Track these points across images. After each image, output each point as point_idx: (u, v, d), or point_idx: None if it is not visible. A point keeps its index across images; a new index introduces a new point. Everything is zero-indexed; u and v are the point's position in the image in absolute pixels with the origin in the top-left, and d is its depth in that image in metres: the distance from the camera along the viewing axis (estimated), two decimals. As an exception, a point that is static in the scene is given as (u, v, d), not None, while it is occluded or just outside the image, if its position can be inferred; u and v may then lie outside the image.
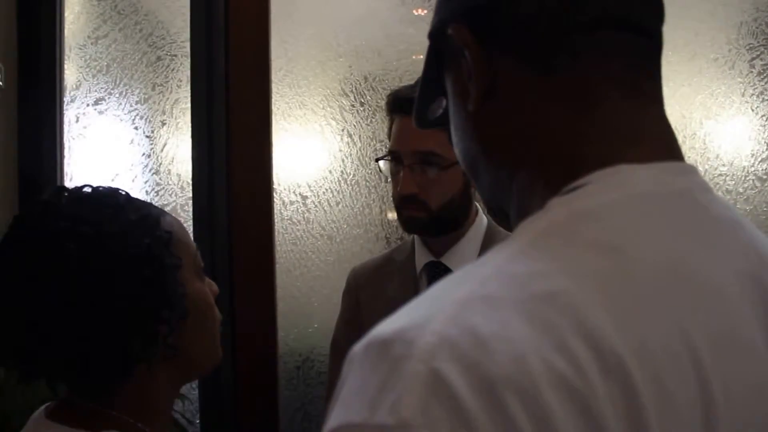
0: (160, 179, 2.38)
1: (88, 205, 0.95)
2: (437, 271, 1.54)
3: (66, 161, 2.38)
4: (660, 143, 0.58)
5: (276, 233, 2.34)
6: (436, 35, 0.65)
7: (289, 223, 2.36)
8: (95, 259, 0.91)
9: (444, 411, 0.43)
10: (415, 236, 1.59)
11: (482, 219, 1.58)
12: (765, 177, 2.17)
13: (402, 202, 1.49)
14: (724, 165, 2.20)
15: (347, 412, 0.46)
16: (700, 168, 2.19)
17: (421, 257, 1.57)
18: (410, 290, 1.56)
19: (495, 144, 0.62)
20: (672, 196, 0.55)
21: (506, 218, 0.65)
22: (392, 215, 2.34)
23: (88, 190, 0.99)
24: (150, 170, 2.39)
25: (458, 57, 0.62)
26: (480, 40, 0.60)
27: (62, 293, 0.90)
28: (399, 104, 1.49)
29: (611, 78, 0.57)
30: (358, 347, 0.49)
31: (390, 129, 1.53)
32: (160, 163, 2.39)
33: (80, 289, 0.90)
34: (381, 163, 1.56)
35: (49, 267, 0.90)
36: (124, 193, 0.99)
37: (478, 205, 1.58)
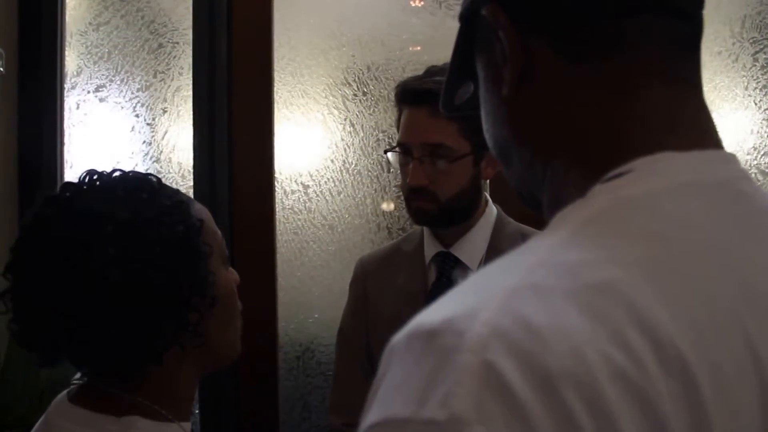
0: (161, 167, 2.37)
1: (122, 189, 0.95)
2: (446, 262, 1.54)
3: (66, 148, 2.37)
4: (700, 131, 0.57)
5: (277, 222, 2.34)
6: (467, 17, 0.63)
7: (291, 212, 2.36)
8: (131, 242, 0.90)
9: (499, 406, 0.40)
10: (424, 227, 1.59)
11: (492, 209, 1.57)
12: (767, 170, 2.19)
13: (411, 194, 1.48)
14: (727, 158, 2.20)
15: (391, 406, 0.43)
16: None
17: (431, 247, 1.56)
18: (419, 280, 1.55)
19: (529, 129, 0.60)
20: (716, 185, 0.53)
21: (537, 204, 0.63)
22: (386, 206, 2.34)
23: (118, 174, 0.98)
24: (151, 158, 2.38)
25: (492, 40, 0.60)
26: (516, 22, 0.58)
27: (97, 277, 0.89)
28: (407, 95, 1.48)
29: (651, 64, 0.55)
30: (400, 337, 0.46)
31: (398, 120, 1.52)
32: (161, 151, 2.37)
33: (115, 272, 0.89)
34: (390, 154, 1.55)
35: (84, 249, 0.89)
36: (155, 179, 0.99)
37: (487, 195, 1.58)
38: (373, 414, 0.44)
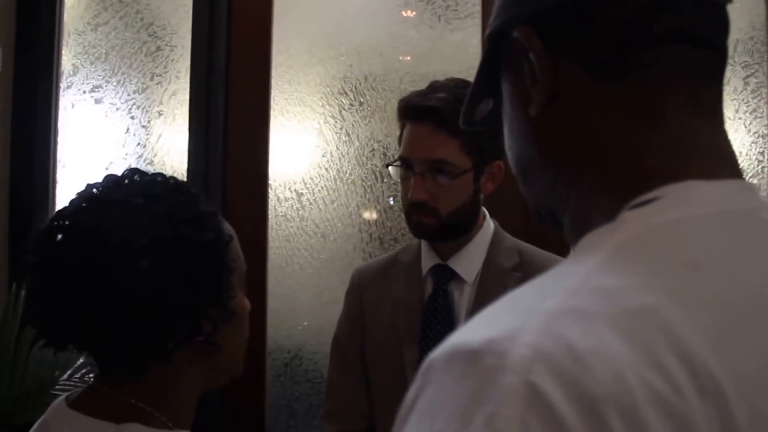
0: (155, 170, 2.36)
1: (162, 188, 0.96)
2: (443, 274, 1.55)
3: (60, 147, 2.36)
4: (723, 160, 0.58)
5: (269, 229, 2.34)
6: (496, 37, 0.65)
7: (283, 219, 2.36)
8: (164, 237, 0.91)
9: (544, 427, 0.41)
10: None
11: (489, 224, 1.59)
12: (756, 193, 2.22)
13: (412, 208, 1.50)
14: (717, 180, 2.24)
15: (432, 424, 0.44)
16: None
17: (428, 260, 1.57)
18: (416, 292, 1.57)
19: (555, 151, 0.61)
20: (744, 214, 0.55)
21: (556, 223, 0.65)
22: (368, 215, 2.35)
23: (159, 176, 0.99)
24: (144, 160, 2.37)
25: (521, 60, 0.61)
26: (547, 45, 0.60)
27: (128, 265, 0.89)
28: (411, 111, 1.50)
29: (679, 92, 0.57)
30: (439, 356, 0.46)
31: (401, 135, 1.54)
32: (155, 154, 2.37)
33: (145, 263, 0.89)
34: (391, 168, 1.56)
35: (119, 237, 0.90)
36: (193, 190, 1.00)
37: (485, 210, 1.59)
38: (413, 430, 0.45)
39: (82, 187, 0.99)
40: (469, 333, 0.47)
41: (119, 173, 0.99)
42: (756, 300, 0.50)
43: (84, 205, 0.95)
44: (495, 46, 0.65)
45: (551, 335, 0.44)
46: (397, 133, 1.58)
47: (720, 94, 0.60)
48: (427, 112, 1.44)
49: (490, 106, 0.71)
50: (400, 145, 1.55)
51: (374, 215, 2.36)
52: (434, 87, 1.50)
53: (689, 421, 0.43)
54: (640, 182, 0.55)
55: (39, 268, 0.94)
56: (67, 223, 0.94)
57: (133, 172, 0.99)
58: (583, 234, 0.57)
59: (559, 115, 0.60)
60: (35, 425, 1.03)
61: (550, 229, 0.67)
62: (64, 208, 0.96)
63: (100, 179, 0.99)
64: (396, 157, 1.56)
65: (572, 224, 0.61)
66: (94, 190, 0.97)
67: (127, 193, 0.95)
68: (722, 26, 0.60)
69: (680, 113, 0.57)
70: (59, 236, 0.94)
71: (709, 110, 0.58)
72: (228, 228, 1.02)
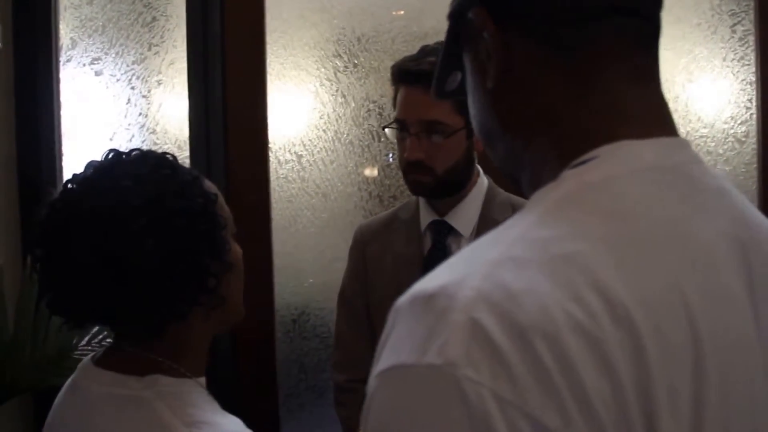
0: (157, 138, 2.42)
1: (145, 166, 1.03)
2: (441, 229, 1.63)
3: (63, 120, 2.41)
4: (658, 120, 0.66)
5: (272, 191, 2.41)
6: (455, 16, 0.71)
7: (285, 181, 2.43)
8: (160, 214, 0.98)
9: (483, 353, 0.50)
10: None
11: (483, 180, 1.66)
12: (744, 139, 2.28)
13: (409, 167, 1.57)
14: (705, 127, 2.29)
15: (398, 355, 0.53)
16: (683, 129, 2.29)
17: (426, 216, 1.65)
18: (415, 246, 1.65)
19: (511, 118, 0.68)
20: (669, 169, 0.62)
21: (518, 183, 0.72)
22: (369, 172, 2.42)
23: (138, 153, 1.05)
24: (147, 129, 2.43)
25: (477, 38, 0.68)
26: (498, 22, 0.66)
27: (132, 246, 0.97)
28: (404, 75, 1.57)
29: (617, 60, 0.64)
30: (404, 300, 0.56)
31: (395, 98, 1.60)
32: (157, 123, 2.42)
33: (149, 242, 0.97)
34: (387, 130, 1.63)
35: (118, 221, 0.97)
36: (171, 157, 1.07)
37: (479, 167, 1.66)
38: (384, 361, 0.55)
39: (78, 167, 1.05)
40: (428, 281, 0.56)
41: (100, 158, 1.05)
42: (670, 241, 0.58)
43: (77, 193, 1.02)
44: (455, 24, 0.72)
45: (491, 279, 0.53)
46: (391, 94, 1.64)
47: (655, 60, 0.67)
48: (419, 75, 1.50)
49: (459, 78, 0.78)
50: (394, 108, 1.61)
51: (365, 171, 2.42)
52: (425, 51, 1.56)
53: (604, 342, 0.51)
54: (580, 144, 0.63)
55: (48, 259, 1.02)
56: (64, 213, 1.01)
57: (115, 155, 1.05)
58: (535, 192, 0.65)
59: (512, 86, 0.67)
60: (66, 384, 1.12)
61: (515, 188, 0.75)
62: (57, 199, 1.02)
63: (81, 169, 1.05)
64: (391, 118, 1.63)
65: (528, 184, 0.69)
66: (82, 177, 1.03)
67: (115, 176, 1.01)
68: None
69: (618, 80, 0.64)
70: (60, 226, 1.00)
71: (644, 76, 0.66)
72: (210, 186, 1.09)
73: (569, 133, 0.64)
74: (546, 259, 0.54)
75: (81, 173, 1.04)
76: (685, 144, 0.66)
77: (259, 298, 2.35)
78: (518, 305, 0.51)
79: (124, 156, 1.05)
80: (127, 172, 1.01)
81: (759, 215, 0.68)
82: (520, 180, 0.71)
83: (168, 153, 1.08)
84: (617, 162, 0.61)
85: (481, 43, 0.67)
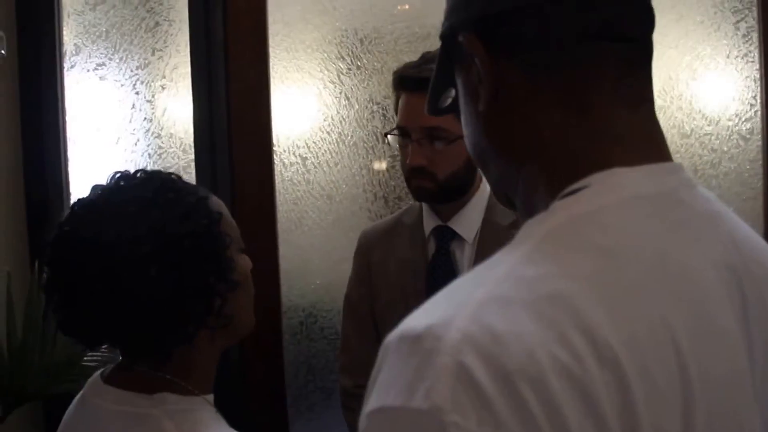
0: (162, 143, 2.43)
1: (151, 191, 1.03)
2: (445, 235, 1.64)
3: (68, 126, 2.42)
4: (650, 145, 0.65)
5: (277, 193, 2.42)
6: (447, 39, 0.71)
7: (290, 184, 2.43)
8: (164, 240, 0.99)
9: (469, 398, 0.50)
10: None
11: (485, 185, 1.67)
12: (748, 136, 2.27)
13: (411, 173, 1.58)
14: (709, 125, 2.29)
15: (386, 396, 0.53)
16: (687, 127, 2.29)
17: (429, 221, 1.66)
18: (420, 252, 1.66)
19: (502, 143, 0.68)
20: (661, 196, 0.62)
21: (512, 205, 0.72)
22: (378, 165, 2.42)
23: (143, 175, 1.06)
24: (152, 134, 2.43)
25: (468, 61, 0.68)
26: (488, 47, 0.66)
27: (137, 273, 0.98)
28: (405, 82, 1.57)
29: (605, 83, 0.63)
30: (392, 338, 0.56)
31: (396, 104, 1.61)
32: (162, 127, 2.43)
33: (153, 268, 0.98)
34: (389, 136, 1.64)
35: (123, 249, 0.98)
36: (176, 177, 1.07)
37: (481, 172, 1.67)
38: (372, 401, 0.55)
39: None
40: (416, 319, 0.56)
41: (106, 181, 1.06)
42: (657, 274, 0.58)
43: (82, 220, 1.02)
44: (447, 45, 0.72)
45: (477, 321, 0.53)
46: (393, 100, 1.65)
47: (646, 81, 0.66)
48: (420, 82, 1.50)
49: (452, 94, 0.78)
50: (396, 114, 1.62)
51: (374, 165, 2.42)
52: (426, 58, 1.57)
53: (589, 384, 0.52)
54: (570, 171, 0.63)
55: (56, 284, 1.03)
56: (70, 240, 1.02)
57: (120, 177, 1.06)
58: (529, 218, 0.65)
59: (503, 110, 0.67)
60: (75, 399, 1.13)
61: (511, 210, 0.75)
62: (64, 223, 1.03)
63: (87, 191, 1.06)
64: (394, 124, 1.63)
65: (522, 209, 0.70)
66: (88, 201, 1.04)
67: (120, 202, 1.02)
68: (645, 19, 0.67)
69: (607, 104, 0.64)
70: (65, 253, 1.02)
71: (635, 99, 0.65)
72: (216, 204, 1.09)
73: (559, 160, 0.64)
74: (532, 299, 0.54)
75: (87, 197, 1.05)
76: (678, 168, 0.65)
77: (266, 300, 2.35)
78: (504, 348, 0.51)
79: (128, 179, 1.06)
80: (131, 197, 1.02)
81: (755, 238, 0.67)
82: (515, 203, 0.71)
83: (173, 173, 1.09)
84: (606, 191, 0.61)
85: (472, 66, 0.67)
